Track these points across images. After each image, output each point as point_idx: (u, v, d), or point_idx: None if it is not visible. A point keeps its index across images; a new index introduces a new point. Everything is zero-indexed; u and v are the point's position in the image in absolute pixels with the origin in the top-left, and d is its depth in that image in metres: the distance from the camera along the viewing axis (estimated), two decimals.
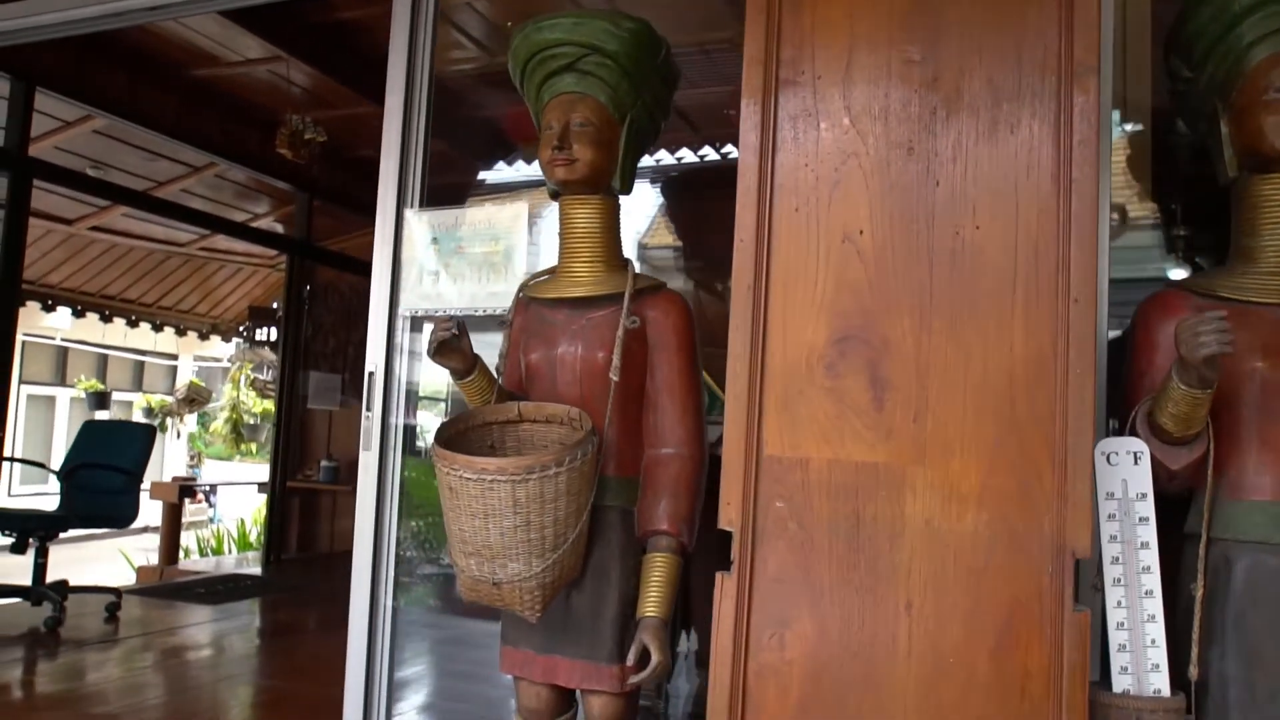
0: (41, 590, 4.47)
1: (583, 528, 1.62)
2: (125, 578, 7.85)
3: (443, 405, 3.79)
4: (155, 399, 10.44)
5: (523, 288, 1.92)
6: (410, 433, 2.49)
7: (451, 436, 1.65)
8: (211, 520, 10.49)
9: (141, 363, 13.10)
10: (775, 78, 1.58)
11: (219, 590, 5.44)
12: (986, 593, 1.42)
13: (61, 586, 4.74)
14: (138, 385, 13.28)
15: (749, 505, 1.54)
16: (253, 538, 8.70)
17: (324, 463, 7.56)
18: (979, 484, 1.44)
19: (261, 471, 11.93)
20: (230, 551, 8.43)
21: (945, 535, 1.45)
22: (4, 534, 4.31)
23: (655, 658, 1.63)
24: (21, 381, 11.38)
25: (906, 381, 1.49)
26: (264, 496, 9.08)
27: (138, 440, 4.74)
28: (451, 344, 1.71)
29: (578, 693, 1.84)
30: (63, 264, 7.32)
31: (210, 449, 12.84)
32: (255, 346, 7.82)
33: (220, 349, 15.80)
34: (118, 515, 4.66)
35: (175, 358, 14.51)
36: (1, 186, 4.86)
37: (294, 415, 6.83)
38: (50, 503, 5.10)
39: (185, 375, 15.35)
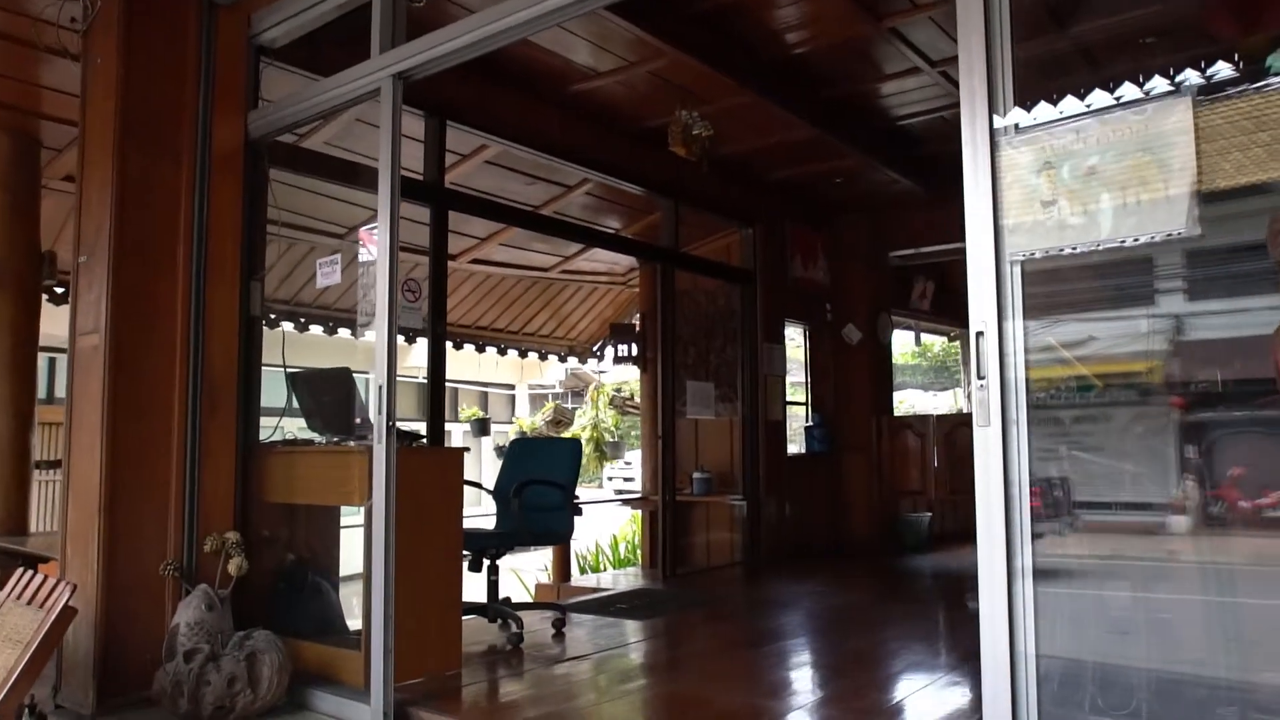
0: (499, 607, 4.51)
1: None
2: (518, 593, 8.14)
3: None
4: (526, 422, 10.96)
5: None
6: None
7: None
8: None
9: (485, 393, 13.97)
10: None
11: (639, 605, 5.33)
12: None
13: (508, 604, 4.79)
14: (484, 412, 14.18)
15: None
16: (622, 553, 8.77)
17: (696, 475, 7.42)
18: None
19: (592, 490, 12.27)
20: (605, 568, 8.54)
21: None
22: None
23: None
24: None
25: None
26: (619, 513, 9.16)
27: (569, 455, 4.70)
28: None
29: None
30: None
31: None
32: (619, 363, 7.89)
33: (549, 376, 16.65)
34: (557, 531, 4.63)
35: (512, 387, 15.42)
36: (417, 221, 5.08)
37: (667, 428, 6.71)
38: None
39: (522, 402, 16.31)
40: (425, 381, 5.33)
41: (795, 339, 8.34)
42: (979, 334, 2.00)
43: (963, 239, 7.56)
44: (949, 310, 10.30)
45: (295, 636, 3.64)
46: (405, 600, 3.37)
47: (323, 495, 3.84)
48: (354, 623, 4.16)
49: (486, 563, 4.51)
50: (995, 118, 2.03)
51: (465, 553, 4.43)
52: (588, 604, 5.38)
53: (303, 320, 7.15)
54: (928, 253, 8.70)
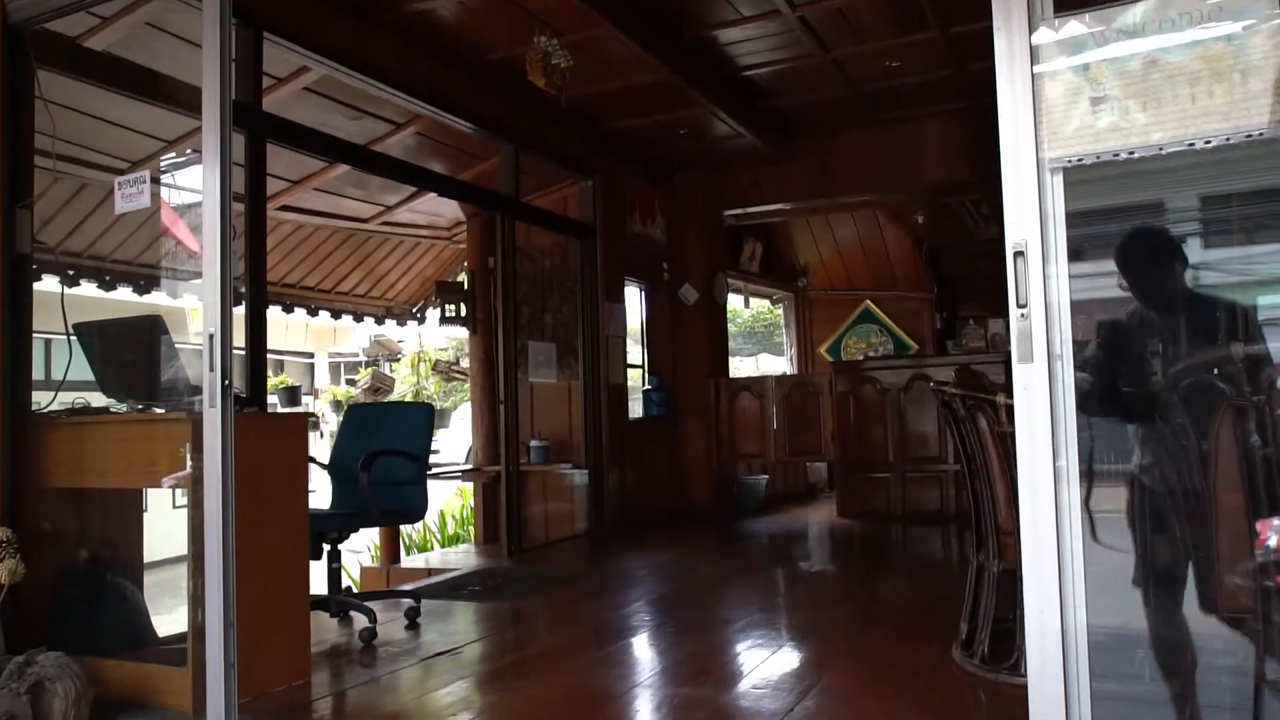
0: (344, 599, 3.90)
1: None
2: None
3: None
4: (340, 391, 9.98)
5: None
6: None
7: None
8: None
9: (281, 361, 12.72)
10: None
11: (492, 587, 4.83)
12: None
13: (352, 594, 4.18)
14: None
15: None
16: (450, 530, 8.18)
17: (533, 443, 6.96)
18: None
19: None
20: (433, 546, 7.91)
21: None
22: None
23: None
24: None
25: None
26: (438, 487, 8.56)
27: (420, 422, 4.11)
28: None
29: None
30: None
31: None
32: (446, 323, 7.24)
33: (351, 343, 15.49)
34: (410, 508, 4.05)
35: (311, 355, 14.17)
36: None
37: (510, 392, 6.18)
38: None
39: (322, 371, 15.09)
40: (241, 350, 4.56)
41: (630, 300, 8.02)
42: (1018, 254, 1.68)
43: (799, 198, 7.37)
44: (777, 271, 10.34)
45: (95, 654, 2.90)
46: (246, 601, 2.74)
47: (125, 476, 3.09)
48: (166, 625, 3.44)
49: (327, 548, 3.88)
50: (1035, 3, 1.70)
51: None
52: (435, 588, 4.82)
53: (72, 273, 6.03)
54: (760, 212, 8.61)
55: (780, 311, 11.25)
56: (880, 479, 7.26)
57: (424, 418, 4.15)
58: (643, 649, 3.63)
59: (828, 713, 2.70)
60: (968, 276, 10.53)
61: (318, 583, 3.87)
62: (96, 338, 3.16)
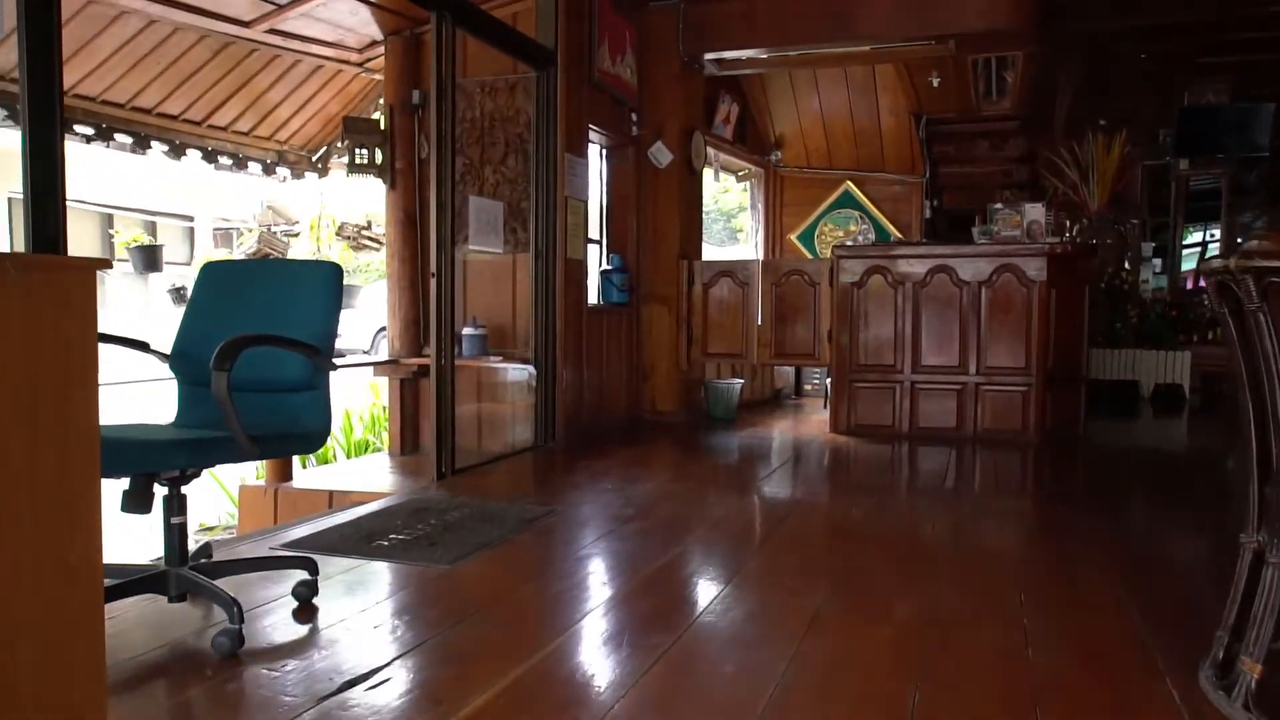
0: (189, 575, 2.40)
1: None
2: (221, 507, 5.86)
3: None
4: (218, 257, 8.14)
5: None
6: None
7: None
8: None
9: (153, 223, 10.60)
10: None
11: (422, 534, 3.40)
12: None
13: (208, 561, 2.71)
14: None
15: None
16: (357, 435, 6.67)
17: (466, 330, 5.47)
18: None
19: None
20: (337, 457, 6.39)
21: None
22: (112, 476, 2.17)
23: None
24: None
25: None
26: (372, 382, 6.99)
27: (321, 290, 2.57)
28: None
29: None
30: (73, 56, 4.93)
31: None
32: (356, 171, 5.57)
33: (240, 209, 13.35)
34: (303, 430, 2.54)
35: (191, 219, 11.96)
36: None
37: (445, 262, 4.60)
38: (125, 412, 3.04)
39: (204, 239, 12.94)
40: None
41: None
42: None
43: (801, 41, 5.49)
44: (751, 141, 8.85)
45: None
46: None
47: None
48: None
49: (163, 494, 2.37)
50: None
51: (118, 479, 2.27)
52: (340, 537, 3.36)
53: None
54: (749, 59, 7.07)
55: (746, 191, 9.81)
56: (884, 389, 6.05)
57: (326, 284, 2.60)
58: (712, 664, 2.27)
59: None
60: (960, 160, 9.24)
61: (151, 546, 2.40)
62: None
